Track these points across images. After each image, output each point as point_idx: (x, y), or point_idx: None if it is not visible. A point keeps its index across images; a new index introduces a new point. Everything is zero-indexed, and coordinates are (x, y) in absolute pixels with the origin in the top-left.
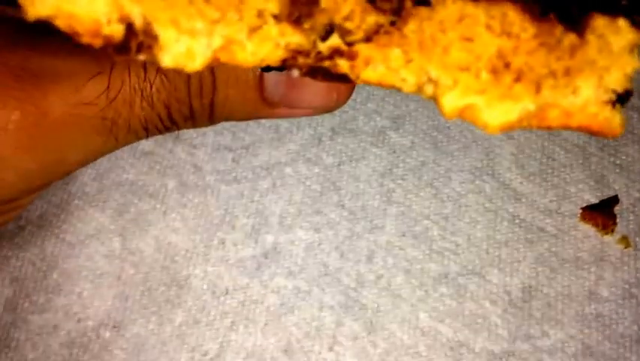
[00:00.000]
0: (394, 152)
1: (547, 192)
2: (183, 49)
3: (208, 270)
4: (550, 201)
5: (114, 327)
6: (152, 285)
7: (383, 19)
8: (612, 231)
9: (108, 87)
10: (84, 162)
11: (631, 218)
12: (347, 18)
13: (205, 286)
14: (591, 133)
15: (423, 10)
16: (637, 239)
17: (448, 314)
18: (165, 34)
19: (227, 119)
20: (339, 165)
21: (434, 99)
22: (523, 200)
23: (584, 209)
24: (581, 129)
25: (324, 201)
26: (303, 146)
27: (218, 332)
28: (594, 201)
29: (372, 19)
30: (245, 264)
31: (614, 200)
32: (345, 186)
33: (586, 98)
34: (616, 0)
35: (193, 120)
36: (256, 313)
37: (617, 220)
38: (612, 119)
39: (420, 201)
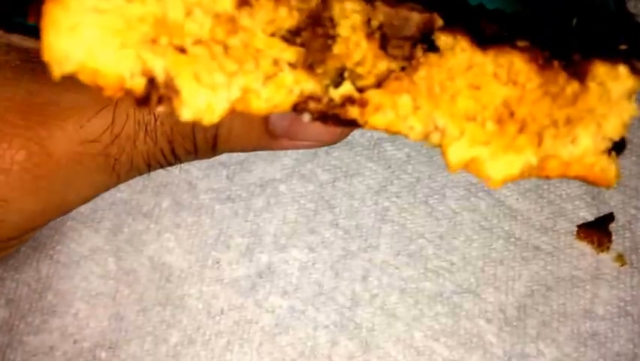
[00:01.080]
0: (390, 167)
1: (542, 209)
2: (204, 103)
3: (203, 290)
4: (546, 219)
5: (110, 348)
6: (147, 305)
7: (394, 65)
8: (608, 248)
9: (113, 122)
10: (85, 200)
11: (627, 235)
12: (359, 63)
13: (200, 306)
14: (587, 182)
15: (432, 57)
16: (633, 257)
17: (443, 333)
18: (187, 88)
19: (229, 151)
20: (333, 181)
21: (440, 149)
22: (519, 217)
23: (579, 227)
24: (577, 178)
25: (319, 220)
26: (299, 160)
27: (213, 352)
28: (590, 218)
29: (384, 64)
30: (240, 283)
31: (609, 217)
32: (339, 204)
33: (584, 148)
34: (615, 45)
35: (196, 154)
36: (251, 333)
37: (613, 238)
38: (608, 169)
39: (415, 220)
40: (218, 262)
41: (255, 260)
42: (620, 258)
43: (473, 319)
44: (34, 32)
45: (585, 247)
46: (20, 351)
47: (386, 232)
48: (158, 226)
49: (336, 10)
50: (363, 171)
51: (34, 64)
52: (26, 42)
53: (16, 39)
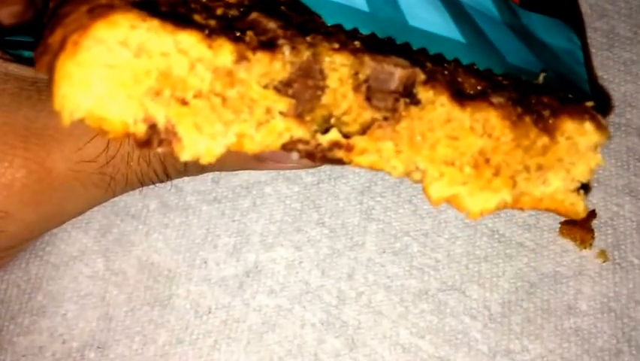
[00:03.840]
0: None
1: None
2: (203, 148)
3: (191, 289)
4: (529, 216)
5: (98, 348)
6: (136, 305)
7: (378, 115)
8: (590, 245)
9: (108, 146)
10: (81, 212)
11: (609, 232)
12: (345, 112)
13: (188, 306)
14: (558, 214)
15: (414, 110)
16: (615, 253)
17: (429, 330)
18: (188, 136)
19: (218, 170)
20: (318, 183)
21: (421, 185)
22: (502, 215)
23: (562, 223)
24: (548, 211)
25: (305, 219)
26: None
27: (201, 351)
28: None
29: (368, 114)
30: (227, 283)
31: (592, 214)
32: (324, 204)
33: (554, 188)
34: (582, 101)
35: (186, 173)
36: (238, 332)
37: (596, 234)
38: (577, 204)
39: (399, 218)
40: (205, 262)
41: (242, 259)
42: (603, 254)
43: (458, 316)
44: (31, 62)
45: (568, 244)
46: (10, 352)
47: (371, 231)
48: (146, 226)
49: (326, 63)
50: (346, 174)
51: (30, 92)
52: (23, 71)
53: (14, 68)
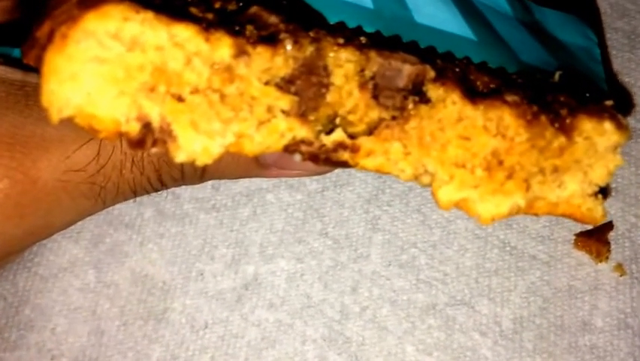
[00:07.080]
0: (380, 177)
1: (539, 217)
2: (199, 148)
3: (186, 303)
4: (543, 227)
5: None
6: (129, 319)
7: (385, 114)
8: (607, 258)
9: (98, 153)
10: (70, 224)
11: (626, 245)
12: (351, 111)
13: (183, 320)
14: (574, 220)
15: (423, 109)
16: (632, 266)
17: (436, 347)
18: (184, 135)
19: (218, 178)
20: (322, 191)
21: (430, 189)
22: (514, 226)
23: (577, 235)
24: (564, 217)
25: (307, 229)
26: None
27: None
28: (588, 226)
29: (375, 113)
30: (225, 296)
31: (608, 226)
32: (328, 213)
33: (571, 192)
34: (601, 100)
35: (183, 181)
36: (236, 348)
37: (612, 247)
38: (594, 209)
39: (407, 228)
40: (202, 274)
41: (241, 271)
42: (620, 268)
43: (467, 332)
44: (19, 64)
45: (583, 257)
46: None
47: (377, 242)
48: (141, 236)
49: (330, 59)
50: (352, 181)
51: (18, 96)
52: (11, 74)
53: (1, 71)
